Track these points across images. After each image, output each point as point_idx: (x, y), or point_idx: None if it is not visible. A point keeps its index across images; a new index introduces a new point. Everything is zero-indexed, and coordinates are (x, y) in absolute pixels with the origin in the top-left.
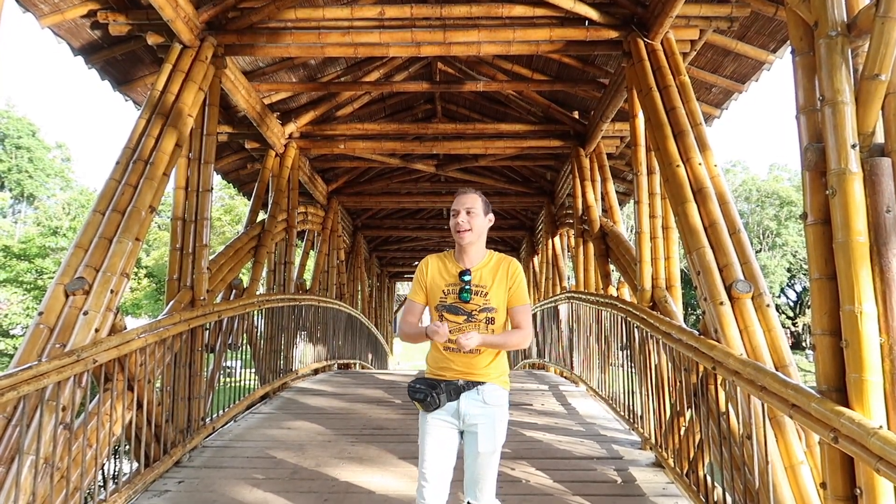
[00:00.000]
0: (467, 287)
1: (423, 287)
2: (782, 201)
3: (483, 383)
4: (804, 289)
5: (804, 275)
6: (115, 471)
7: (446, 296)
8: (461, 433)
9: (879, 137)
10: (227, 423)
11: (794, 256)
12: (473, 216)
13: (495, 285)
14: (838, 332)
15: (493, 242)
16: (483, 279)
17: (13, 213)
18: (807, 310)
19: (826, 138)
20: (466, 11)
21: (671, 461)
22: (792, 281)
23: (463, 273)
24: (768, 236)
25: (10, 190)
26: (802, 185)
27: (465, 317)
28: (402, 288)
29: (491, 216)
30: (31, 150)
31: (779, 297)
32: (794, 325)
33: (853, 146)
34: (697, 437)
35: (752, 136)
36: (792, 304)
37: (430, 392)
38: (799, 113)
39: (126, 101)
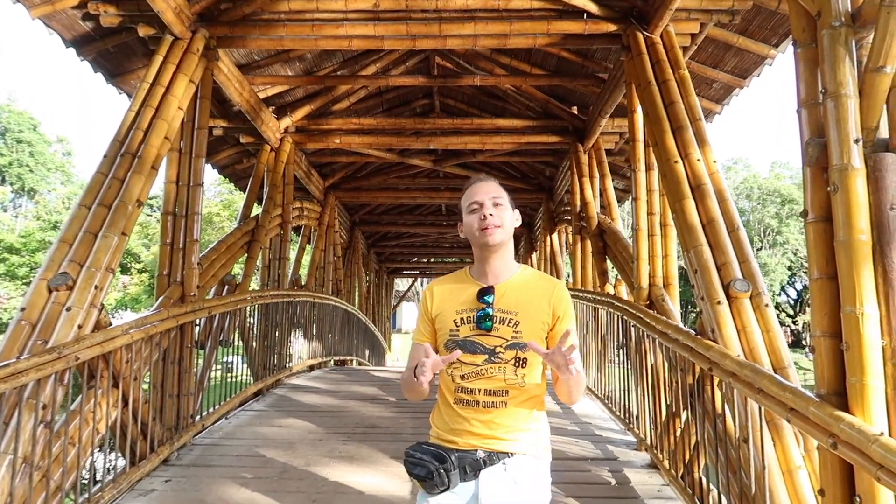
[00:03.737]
0: (488, 311)
1: (429, 320)
2: (783, 199)
3: (511, 455)
4: (804, 287)
5: (805, 273)
6: (102, 468)
7: (459, 327)
8: None
9: (884, 132)
10: (217, 421)
11: (795, 255)
12: (502, 209)
13: (530, 312)
14: (839, 334)
15: None
16: (512, 302)
17: (14, 208)
18: (807, 308)
19: (828, 133)
20: (463, 4)
21: (666, 463)
22: (792, 279)
23: (483, 292)
24: (769, 234)
25: (11, 184)
26: (803, 181)
27: (487, 356)
28: (401, 284)
29: (517, 213)
30: (33, 144)
31: (779, 295)
32: (794, 323)
33: (856, 141)
34: (693, 439)
35: (754, 134)
36: (792, 302)
37: (435, 467)
38: (800, 107)
39: (120, 93)
